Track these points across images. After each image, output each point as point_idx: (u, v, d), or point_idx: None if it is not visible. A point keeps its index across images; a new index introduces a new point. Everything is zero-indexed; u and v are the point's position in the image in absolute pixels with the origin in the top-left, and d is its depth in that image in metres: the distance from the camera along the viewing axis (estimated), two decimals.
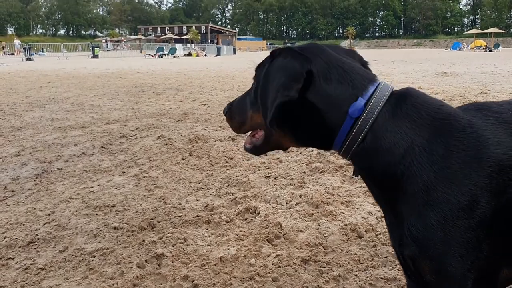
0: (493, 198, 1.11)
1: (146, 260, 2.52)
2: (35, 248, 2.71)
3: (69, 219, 3.12)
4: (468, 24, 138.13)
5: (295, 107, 1.27)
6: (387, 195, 1.26)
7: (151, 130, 6.19)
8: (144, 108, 8.26)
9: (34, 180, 4.04)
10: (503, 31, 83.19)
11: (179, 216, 3.12)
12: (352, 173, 1.44)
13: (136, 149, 5.12)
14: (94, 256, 2.60)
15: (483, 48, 53.70)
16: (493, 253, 1.14)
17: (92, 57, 39.70)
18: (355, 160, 1.29)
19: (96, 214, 3.22)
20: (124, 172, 4.24)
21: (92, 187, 3.82)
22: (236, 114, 1.50)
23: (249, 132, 1.50)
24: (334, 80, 1.26)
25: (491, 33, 66.16)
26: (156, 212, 3.20)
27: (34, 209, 3.32)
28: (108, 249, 2.68)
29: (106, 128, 6.35)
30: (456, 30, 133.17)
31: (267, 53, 1.44)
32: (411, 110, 1.23)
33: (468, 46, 61.69)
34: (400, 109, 1.23)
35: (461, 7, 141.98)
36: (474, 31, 75.27)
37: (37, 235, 2.87)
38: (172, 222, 3.05)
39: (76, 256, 2.60)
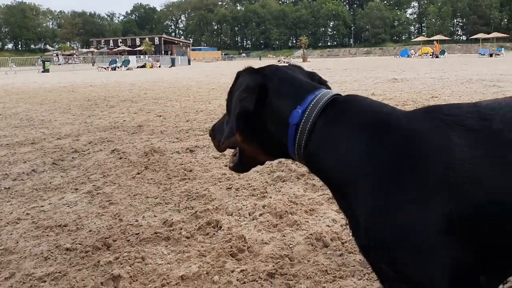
0: (442, 204, 1.08)
1: (101, 283, 2.35)
2: None
3: (17, 242, 2.90)
4: (415, 32, 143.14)
5: (257, 120, 1.39)
6: (343, 198, 1.29)
7: (104, 144, 5.96)
8: (97, 122, 7.99)
9: None
10: (447, 38, 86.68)
11: (136, 234, 2.96)
12: None
13: (89, 164, 4.89)
14: (45, 281, 2.40)
15: (430, 55, 55.65)
16: (461, 260, 1.10)
17: (42, 72, 38.53)
18: (307, 166, 1.39)
19: (47, 235, 3.01)
20: (77, 189, 4.02)
21: (42, 206, 3.60)
22: (217, 133, 1.62)
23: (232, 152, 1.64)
24: (282, 94, 1.39)
25: (437, 40, 68.68)
26: (112, 231, 3.03)
27: None
28: (60, 272, 2.49)
29: (57, 144, 6.07)
30: (403, 38, 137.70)
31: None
32: (347, 116, 1.28)
33: (416, 53, 63.83)
34: (336, 115, 1.29)
35: (407, 15, 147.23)
36: (420, 38, 78.01)
37: None
38: (128, 240, 2.88)
39: (24, 283, 2.39)
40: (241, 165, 1.61)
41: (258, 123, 1.40)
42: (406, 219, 1.09)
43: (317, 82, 1.51)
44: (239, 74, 1.47)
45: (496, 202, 1.08)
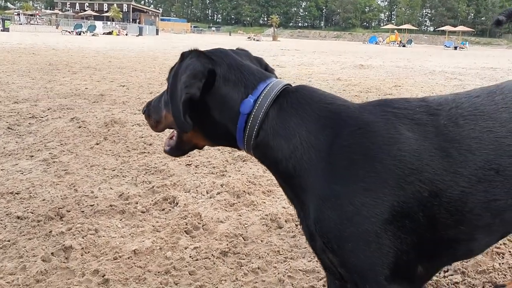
0: (388, 194, 1.13)
1: (52, 253, 2.33)
2: None
3: None
4: (385, 19, 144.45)
5: (201, 105, 1.32)
6: (290, 188, 1.31)
7: (64, 111, 5.80)
8: (57, 88, 7.75)
9: None
10: (415, 28, 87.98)
11: (91, 205, 2.92)
12: None
13: (46, 131, 4.77)
14: None
15: (397, 43, 56.39)
16: (401, 250, 1.16)
17: (2, 30, 36.93)
18: (256, 156, 1.35)
19: None
20: (32, 156, 3.93)
21: None
22: (153, 112, 1.51)
23: (168, 134, 1.55)
24: (231, 81, 1.32)
25: (405, 29, 69.58)
26: (66, 201, 2.98)
27: None
28: (9, 241, 2.45)
29: (14, 108, 5.87)
30: (373, 25, 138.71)
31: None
32: (300, 106, 1.27)
33: (384, 40, 64.56)
34: (289, 105, 1.28)
35: (379, 2, 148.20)
36: (390, 26, 78.87)
37: None
38: (83, 211, 2.85)
39: None
40: (178, 150, 1.51)
41: (202, 110, 1.33)
42: (355, 209, 1.13)
43: (264, 68, 1.48)
44: (184, 56, 1.36)
45: (434, 194, 1.14)
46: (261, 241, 2.56)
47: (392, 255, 1.15)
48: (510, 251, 2.48)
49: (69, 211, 2.83)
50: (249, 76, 1.34)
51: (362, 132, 1.19)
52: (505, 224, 1.26)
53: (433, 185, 1.14)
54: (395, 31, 63.50)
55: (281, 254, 2.42)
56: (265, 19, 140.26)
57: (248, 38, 58.11)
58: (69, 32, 41.34)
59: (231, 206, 3.01)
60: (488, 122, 1.22)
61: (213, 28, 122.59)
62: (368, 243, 1.13)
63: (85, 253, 2.36)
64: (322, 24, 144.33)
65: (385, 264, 1.15)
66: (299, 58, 18.48)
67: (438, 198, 1.15)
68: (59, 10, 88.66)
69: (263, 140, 1.29)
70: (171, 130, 1.51)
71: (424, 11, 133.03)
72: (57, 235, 2.52)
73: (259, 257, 2.38)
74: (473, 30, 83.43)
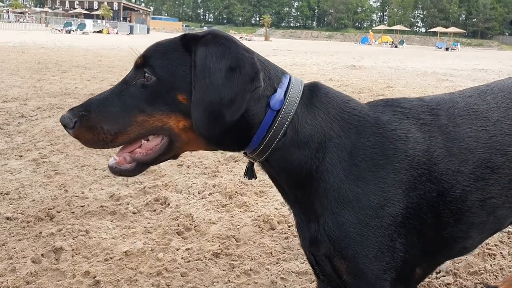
0: (403, 196, 1.12)
1: (42, 255, 2.30)
2: None
3: None
4: (377, 20, 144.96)
5: None
6: (300, 193, 1.22)
7: (53, 110, 5.75)
8: (47, 87, 7.68)
9: None
10: (407, 29, 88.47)
11: (82, 206, 2.90)
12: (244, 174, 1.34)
13: (36, 131, 4.72)
14: None
15: (389, 44, 56.60)
16: (408, 253, 1.16)
17: None
18: (273, 157, 1.18)
19: None
20: (22, 156, 3.88)
21: None
22: (106, 121, 1.15)
23: (120, 148, 1.21)
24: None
25: (397, 30, 69.94)
26: (56, 201, 2.95)
27: None
28: None
29: (3, 107, 5.81)
30: (365, 25, 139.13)
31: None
32: (323, 102, 1.20)
33: (376, 41, 64.77)
34: (314, 101, 1.20)
35: (371, 3, 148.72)
36: (382, 27, 79.15)
37: None
38: (73, 212, 2.82)
39: None
40: (151, 164, 1.21)
41: None
42: (373, 212, 1.11)
43: None
44: (200, 39, 1.13)
45: (440, 194, 1.15)
46: (254, 242, 2.55)
47: (401, 259, 1.14)
48: (501, 253, 2.49)
49: (59, 212, 2.80)
50: (270, 67, 1.20)
51: (382, 132, 1.17)
52: (497, 222, 1.28)
53: (440, 184, 1.15)
54: (370, 31, 64.26)
55: (273, 256, 2.41)
56: (257, 19, 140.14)
57: (240, 37, 58.10)
58: (59, 30, 41.17)
59: (223, 207, 3.00)
60: (482, 121, 1.24)
61: (205, 28, 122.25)
62: (382, 248, 1.12)
63: (76, 254, 2.34)
64: (314, 24, 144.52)
65: (393, 268, 1.14)
66: (291, 58, 18.48)
67: (443, 197, 1.16)
68: (48, 8, 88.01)
69: (292, 138, 1.15)
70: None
71: (416, 12, 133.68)
72: (47, 236, 2.50)
73: (252, 259, 2.36)
74: (465, 31, 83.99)
